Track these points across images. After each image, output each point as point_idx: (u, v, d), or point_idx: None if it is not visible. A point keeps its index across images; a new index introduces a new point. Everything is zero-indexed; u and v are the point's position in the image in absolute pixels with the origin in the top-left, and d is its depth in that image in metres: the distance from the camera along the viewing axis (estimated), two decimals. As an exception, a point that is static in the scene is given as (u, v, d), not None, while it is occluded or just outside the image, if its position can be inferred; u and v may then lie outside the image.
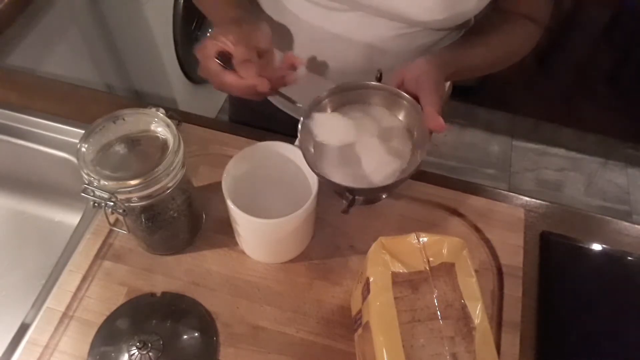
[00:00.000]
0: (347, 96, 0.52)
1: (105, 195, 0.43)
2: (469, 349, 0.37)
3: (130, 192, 0.44)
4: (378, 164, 0.49)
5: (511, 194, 0.64)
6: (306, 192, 0.50)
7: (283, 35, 0.62)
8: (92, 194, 0.44)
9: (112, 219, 0.51)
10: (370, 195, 0.59)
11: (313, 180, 0.50)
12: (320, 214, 0.58)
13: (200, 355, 0.49)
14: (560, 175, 1.84)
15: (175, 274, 0.55)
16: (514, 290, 0.55)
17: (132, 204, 0.45)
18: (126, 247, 0.56)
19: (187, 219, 0.54)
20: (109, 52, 1.29)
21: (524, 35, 0.60)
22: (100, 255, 0.55)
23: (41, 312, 0.51)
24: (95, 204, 0.44)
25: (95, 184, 0.43)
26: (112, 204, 0.44)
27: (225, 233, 0.57)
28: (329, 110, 0.51)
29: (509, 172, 1.83)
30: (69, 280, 0.53)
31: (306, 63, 0.60)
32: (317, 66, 0.62)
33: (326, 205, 0.59)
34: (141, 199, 0.45)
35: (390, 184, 0.47)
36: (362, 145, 0.49)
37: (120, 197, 0.44)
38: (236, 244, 0.56)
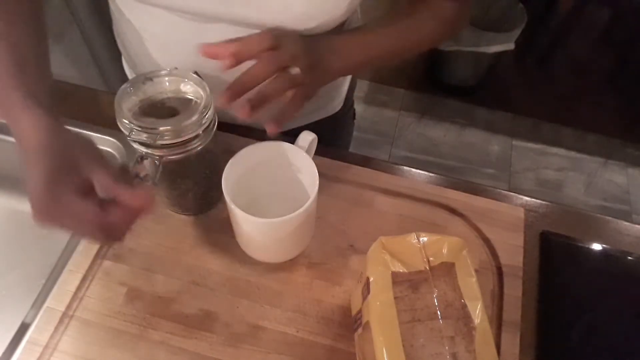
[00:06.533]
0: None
1: (142, 148, 0.46)
2: (469, 348, 0.37)
3: (163, 142, 0.46)
4: None
5: (511, 193, 0.64)
6: (306, 192, 0.50)
7: (135, 40, 0.60)
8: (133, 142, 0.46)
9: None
10: None
11: (313, 180, 0.50)
12: (320, 214, 0.58)
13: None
14: (560, 175, 1.84)
15: (175, 273, 0.55)
16: (514, 290, 0.55)
17: (165, 156, 0.47)
18: (126, 247, 0.56)
19: (209, 183, 0.55)
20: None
21: (429, 25, 0.58)
22: (100, 255, 0.55)
23: (41, 312, 0.51)
24: (138, 158, 0.47)
25: (134, 134, 0.45)
26: (149, 152, 0.46)
27: (225, 233, 0.57)
28: None
29: (509, 172, 1.83)
30: (69, 280, 0.53)
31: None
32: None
33: (326, 205, 0.59)
34: (175, 147, 0.47)
35: None
36: None
37: (154, 151, 0.46)
38: (236, 244, 0.56)
